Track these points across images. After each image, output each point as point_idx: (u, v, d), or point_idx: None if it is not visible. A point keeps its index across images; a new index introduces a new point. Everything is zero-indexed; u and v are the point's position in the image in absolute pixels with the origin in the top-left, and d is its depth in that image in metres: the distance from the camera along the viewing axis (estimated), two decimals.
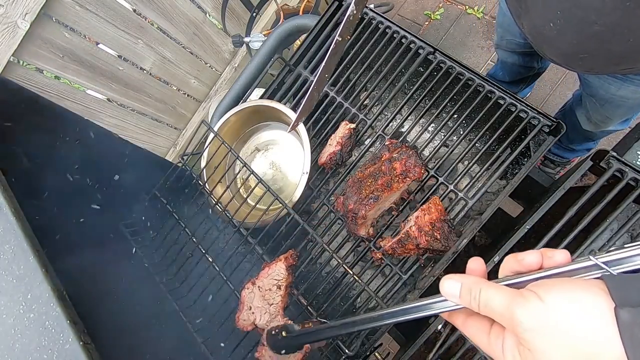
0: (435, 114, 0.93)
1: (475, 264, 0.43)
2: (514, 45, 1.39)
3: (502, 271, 0.41)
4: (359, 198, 0.87)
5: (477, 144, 0.89)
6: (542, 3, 0.74)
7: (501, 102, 0.85)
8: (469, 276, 0.40)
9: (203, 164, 1.11)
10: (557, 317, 0.31)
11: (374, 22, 1.02)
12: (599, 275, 0.33)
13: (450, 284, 0.39)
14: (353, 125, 1.00)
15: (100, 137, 1.05)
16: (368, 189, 0.87)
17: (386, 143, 0.94)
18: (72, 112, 0.96)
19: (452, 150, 0.91)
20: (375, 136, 1.00)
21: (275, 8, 2.11)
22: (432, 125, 1.07)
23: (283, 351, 0.66)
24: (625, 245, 0.33)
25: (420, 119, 0.97)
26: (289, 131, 0.94)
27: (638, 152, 0.84)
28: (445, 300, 0.40)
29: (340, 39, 0.71)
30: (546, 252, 0.38)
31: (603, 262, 0.33)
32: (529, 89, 2.01)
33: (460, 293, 0.39)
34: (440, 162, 0.92)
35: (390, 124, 1.02)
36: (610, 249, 0.33)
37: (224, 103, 1.19)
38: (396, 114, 0.98)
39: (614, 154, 0.69)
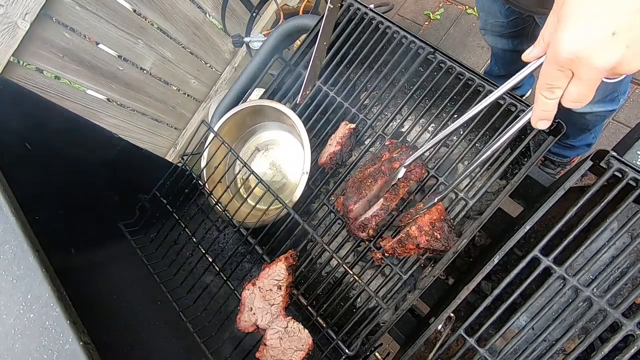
0: (435, 114, 0.93)
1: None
2: (498, 28, 1.40)
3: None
4: (359, 199, 0.87)
5: (477, 144, 0.89)
6: None
7: (501, 102, 0.85)
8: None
9: (203, 164, 1.11)
10: None
11: (374, 22, 1.02)
12: None
13: (528, 50, 0.55)
14: (353, 125, 1.00)
15: (100, 138, 1.05)
16: (368, 189, 0.87)
17: (386, 143, 0.94)
18: (73, 112, 0.96)
19: (452, 150, 0.91)
20: (375, 136, 1.00)
21: (275, 8, 2.11)
22: (432, 125, 1.07)
23: None
24: None
25: (420, 119, 0.97)
26: (298, 102, 0.95)
27: (638, 152, 0.84)
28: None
29: (332, 6, 0.74)
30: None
31: None
32: (529, 87, 2.01)
33: (534, 46, 0.54)
34: (440, 162, 0.92)
35: (390, 124, 1.02)
36: None
37: (224, 103, 1.19)
38: (396, 114, 0.98)
39: (614, 154, 0.69)
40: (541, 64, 0.51)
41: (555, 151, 1.80)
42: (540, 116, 0.53)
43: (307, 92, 0.92)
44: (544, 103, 0.51)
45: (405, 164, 0.81)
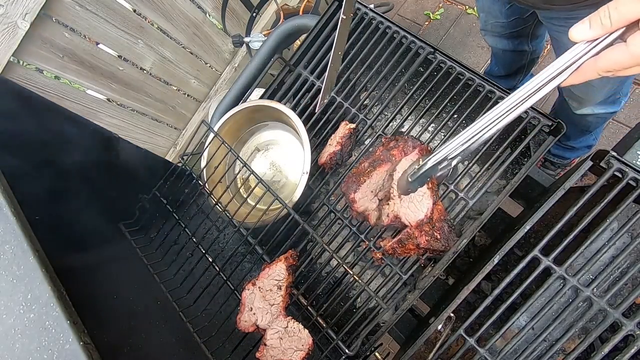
0: (435, 114, 0.93)
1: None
2: (499, 28, 1.41)
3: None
4: (359, 186, 0.86)
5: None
6: None
7: (501, 102, 0.85)
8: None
9: (203, 164, 1.11)
10: None
11: (374, 22, 1.02)
12: None
13: (578, 26, 0.44)
14: (353, 125, 1.00)
15: (100, 137, 1.05)
16: (367, 176, 0.86)
17: (382, 140, 0.93)
18: (72, 112, 0.96)
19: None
20: (375, 136, 1.00)
21: (275, 8, 2.11)
22: (432, 125, 1.07)
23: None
24: None
25: (420, 119, 0.98)
26: (316, 111, 0.98)
27: (638, 152, 0.84)
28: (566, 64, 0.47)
29: (345, 17, 0.75)
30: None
31: None
32: None
33: (591, 26, 0.43)
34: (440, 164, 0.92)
35: (390, 124, 1.02)
36: None
37: (224, 103, 1.19)
38: (396, 114, 0.98)
39: (614, 154, 0.69)
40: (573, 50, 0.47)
41: (555, 152, 1.80)
42: (574, 83, 0.51)
43: (324, 101, 0.93)
44: (591, 75, 0.49)
45: (430, 162, 0.71)
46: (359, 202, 0.86)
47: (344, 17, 0.75)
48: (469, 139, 0.62)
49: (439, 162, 0.68)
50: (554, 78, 0.49)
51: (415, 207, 0.77)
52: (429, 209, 0.75)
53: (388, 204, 0.80)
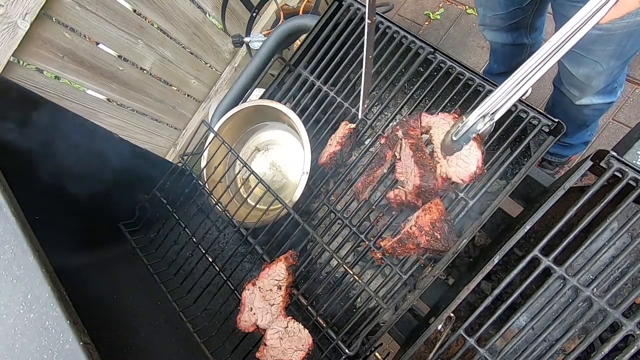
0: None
1: None
2: (498, 21, 1.41)
3: None
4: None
5: None
6: None
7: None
8: None
9: (203, 164, 1.11)
10: None
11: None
12: None
13: None
14: (353, 125, 1.00)
15: (100, 137, 1.05)
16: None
17: (381, 142, 0.93)
18: (73, 112, 0.96)
19: None
20: (375, 136, 1.00)
21: (275, 8, 2.11)
22: None
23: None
24: None
25: None
26: (361, 116, 0.98)
27: (638, 152, 0.84)
28: None
29: (370, 22, 0.76)
30: None
31: None
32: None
33: None
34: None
35: (391, 124, 1.02)
36: None
37: (224, 103, 1.19)
38: (396, 114, 0.98)
39: (614, 154, 0.69)
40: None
41: (553, 151, 1.80)
42: (615, 17, 0.51)
43: (365, 105, 0.97)
44: (633, 5, 0.50)
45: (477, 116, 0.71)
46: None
47: (369, 21, 0.76)
48: (510, 91, 0.63)
49: (483, 117, 0.69)
50: (593, 15, 0.50)
51: (464, 163, 0.77)
52: (480, 160, 0.75)
53: (435, 170, 0.79)
